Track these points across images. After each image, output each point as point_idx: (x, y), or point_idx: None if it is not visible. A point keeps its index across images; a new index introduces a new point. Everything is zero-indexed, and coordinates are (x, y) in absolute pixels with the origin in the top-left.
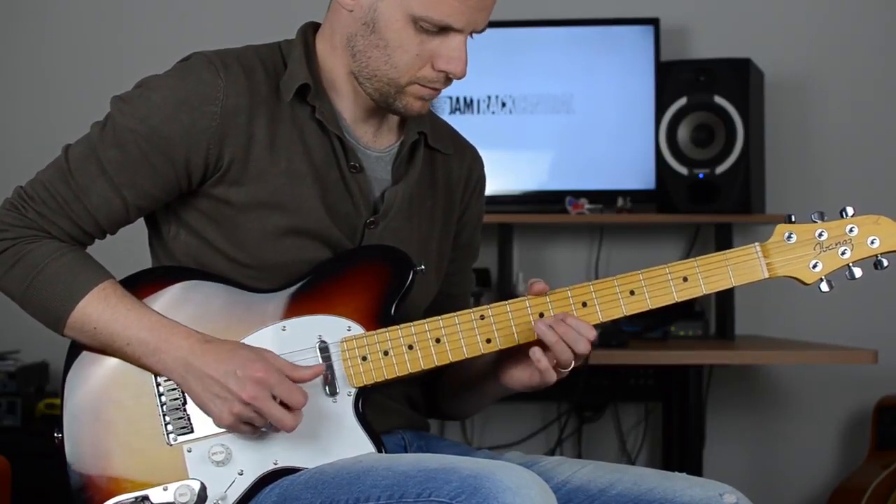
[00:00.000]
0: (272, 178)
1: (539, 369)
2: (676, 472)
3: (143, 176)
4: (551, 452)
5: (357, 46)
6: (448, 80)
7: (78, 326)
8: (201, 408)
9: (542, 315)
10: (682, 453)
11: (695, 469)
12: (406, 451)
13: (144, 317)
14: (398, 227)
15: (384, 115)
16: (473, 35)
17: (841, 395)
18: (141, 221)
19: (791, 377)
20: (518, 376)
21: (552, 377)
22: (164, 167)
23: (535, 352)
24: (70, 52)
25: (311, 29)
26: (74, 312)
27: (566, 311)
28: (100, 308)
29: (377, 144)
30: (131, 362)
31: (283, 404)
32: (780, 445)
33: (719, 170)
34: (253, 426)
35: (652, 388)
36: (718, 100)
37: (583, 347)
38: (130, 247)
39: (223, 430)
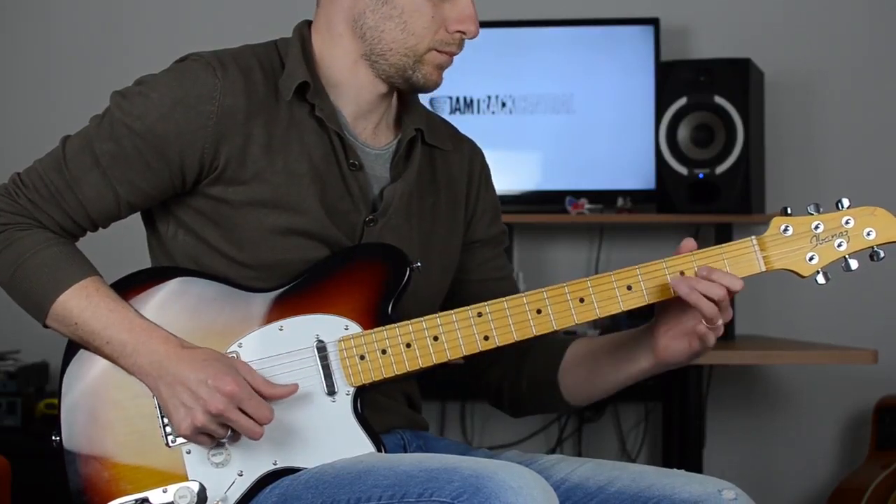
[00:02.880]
0: (270, 177)
1: (698, 334)
2: (675, 469)
3: (136, 172)
4: (551, 452)
5: (367, 24)
6: (461, 43)
7: (59, 319)
8: (165, 412)
9: (539, 311)
10: (682, 453)
11: (695, 469)
12: (405, 451)
13: (125, 318)
14: (397, 224)
15: (385, 108)
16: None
17: (841, 395)
18: (139, 222)
19: (791, 377)
20: (677, 346)
21: (711, 340)
22: (157, 165)
23: (700, 327)
24: (72, 48)
25: (307, 26)
26: (55, 305)
27: (563, 306)
28: (82, 304)
29: (375, 142)
30: (111, 361)
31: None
32: (780, 445)
33: (719, 170)
34: (211, 438)
35: (652, 388)
36: (718, 100)
37: (719, 292)
38: (129, 246)
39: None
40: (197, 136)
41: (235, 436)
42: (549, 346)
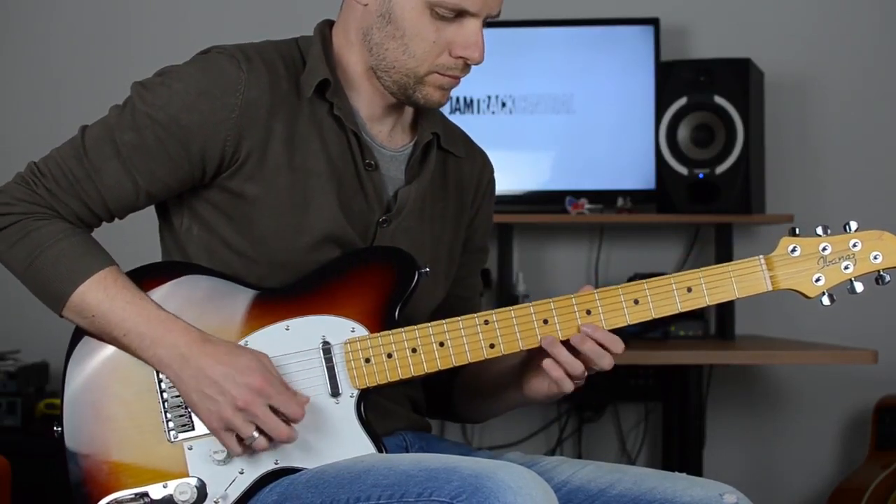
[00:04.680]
0: (289, 173)
1: (553, 378)
2: (677, 473)
3: (157, 162)
4: (551, 452)
5: (373, 40)
6: (466, 67)
7: (76, 311)
8: (190, 406)
9: (545, 321)
10: (682, 453)
11: (695, 469)
12: (407, 452)
13: (143, 310)
14: (410, 226)
15: (399, 114)
16: (487, 20)
17: (841, 395)
18: (153, 213)
19: (791, 377)
20: (537, 386)
21: (568, 386)
22: (179, 156)
23: (548, 363)
24: (78, 43)
25: (328, 26)
26: (73, 297)
27: (570, 317)
28: (99, 296)
29: (392, 144)
30: (128, 352)
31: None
32: (780, 445)
33: (719, 170)
34: (239, 439)
35: (652, 388)
36: (718, 100)
37: (606, 363)
38: (138, 236)
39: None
40: (220, 128)
41: (262, 438)
42: None
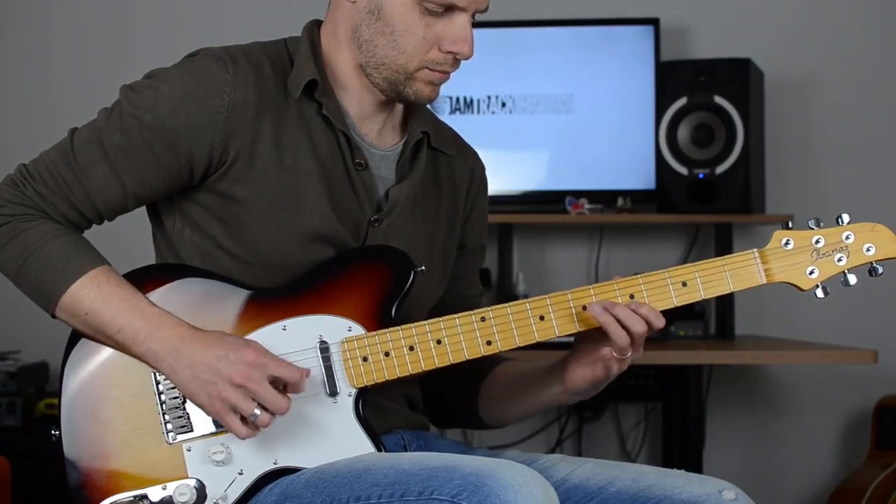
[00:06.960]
0: (278, 174)
1: (603, 359)
2: (675, 469)
3: (144, 165)
4: (551, 452)
5: (363, 36)
6: (456, 63)
7: (69, 310)
8: (189, 396)
9: (542, 318)
10: (682, 453)
11: (695, 469)
12: (406, 451)
13: (136, 306)
14: (402, 225)
15: (389, 112)
16: (476, 16)
17: (841, 395)
18: (146, 215)
19: (791, 377)
20: (581, 375)
21: (614, 370)
22: (166, 158)
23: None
24: (74, 46)
25: (316, 26)
26: (66, 296)
27: (566, 314)
28: (92, 294)
29: (381, 143)
30: (122, 350)
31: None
32: (780, 445)
33: (719, 170)
34: (243, 419)
35: (652, 388)
36: (718, 100)
37: (639, 327)
38: (133, 238)
39: (223, 428)
40: (206, 130)
41: (265, 414)
42: (481, 361)
